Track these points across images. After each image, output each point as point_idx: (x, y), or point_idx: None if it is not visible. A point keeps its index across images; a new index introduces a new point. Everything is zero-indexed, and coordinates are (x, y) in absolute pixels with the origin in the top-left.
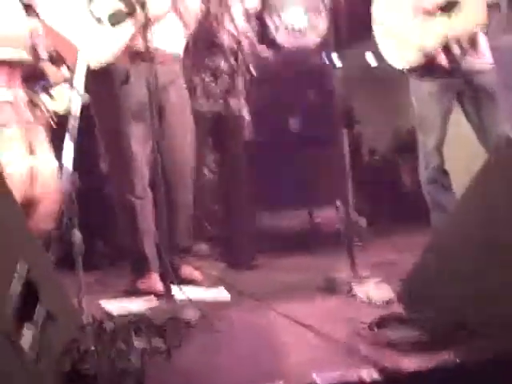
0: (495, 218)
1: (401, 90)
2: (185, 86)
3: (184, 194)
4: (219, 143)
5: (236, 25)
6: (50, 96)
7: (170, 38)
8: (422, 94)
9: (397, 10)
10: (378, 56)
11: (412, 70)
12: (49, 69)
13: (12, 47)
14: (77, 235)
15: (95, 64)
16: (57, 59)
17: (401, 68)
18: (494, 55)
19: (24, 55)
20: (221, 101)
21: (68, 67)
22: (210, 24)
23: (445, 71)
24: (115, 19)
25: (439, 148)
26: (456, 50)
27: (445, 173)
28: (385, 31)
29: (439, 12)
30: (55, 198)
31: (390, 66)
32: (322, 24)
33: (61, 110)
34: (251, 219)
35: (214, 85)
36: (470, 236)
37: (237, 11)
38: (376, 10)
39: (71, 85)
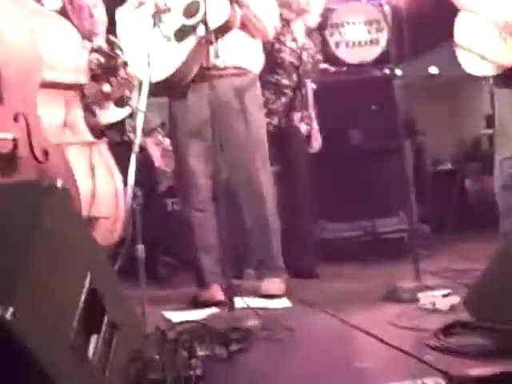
0: None
1: (466, 99)
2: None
3: (260, 211)
4: (281, 156)
5: (297, 42)
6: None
7: (237, 52)
8: (503, 99)
9: (481, 31)
10: (442, 66)
11: (495, 78)
12: (90, 86)
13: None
14: (140, 249)
15: (156, 79)
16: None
17: (483, 76)
18: None
19: (83, 79)
20: (283, 116)
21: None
22: (272, 42)
23: None
24: (181, 35)
25: None
26: None
27: None
28: (467, 47)
29: None
30: (118, 214)
31: (456, 74)
32: (383, 37)
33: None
34: (313, 230)
35: (276, 101)
36: None
37: (298, 29)
38: (458, 30)
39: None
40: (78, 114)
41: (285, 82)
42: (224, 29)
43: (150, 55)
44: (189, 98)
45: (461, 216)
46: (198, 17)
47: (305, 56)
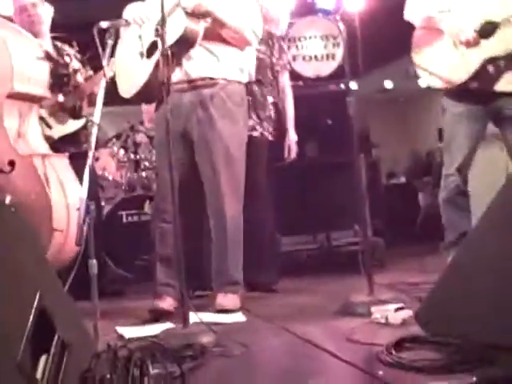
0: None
1: (420, 113)
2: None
3: (219, 221)
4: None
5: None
6: (47, 124)
7: (205, 63)
8: (454, 114)
9: (435, 45)
10: (397, 80)
11: (447, 91)
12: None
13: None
14: (92, 265)
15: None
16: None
17: (436, 88)
18: None
19: (47, 92)
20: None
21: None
22: None
23: (479, 94)
24: (151, 51)
25: (463, 170)
26: (493, 71)
27: (464, 194)
28: (423, 60)
29: (480, 39)
30: (70, 229)
31: (410, 88)
32: (339, 52)
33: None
34: (272, 243)
35: None
36: (491, 257)
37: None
38: (416, 42)
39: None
40: (32, 126)
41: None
42: (183, 42)
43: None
44: (159, 110)
45: (414, 229)
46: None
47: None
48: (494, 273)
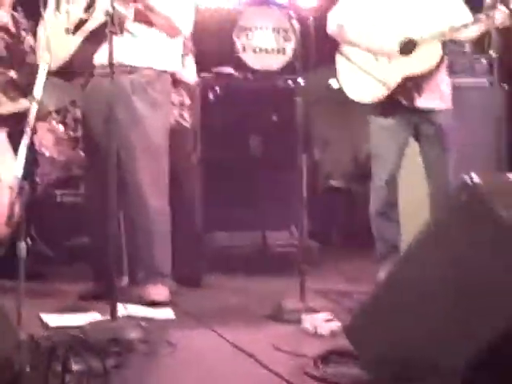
0: (451, 257)
1: (362, 118)
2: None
3: (142, 211)
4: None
5: None
6: None
7: (128, 50)
8: (378, 127)
9: (360, 52)
10: None
11: (369, 105)
12: None
13: None
14: (21, 247)
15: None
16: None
17: (358, 101)
18: (455, 96)
19: None
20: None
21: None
22: None
23: (401, 109)
24: (77, 28)
25: (391, 182)
26: (413, 88)
27: (393, 205)
28: (348, 66)
29: (399, 55)
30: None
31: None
32: (290, 46)
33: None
34: (200, 237)
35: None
36: (425, 274)
37: None
38: (340, 61)
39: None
40: None
41: None
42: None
43: (50, 41)
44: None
45: (348, 234)
46: (91, 11)
47: None
48: (430, 297)
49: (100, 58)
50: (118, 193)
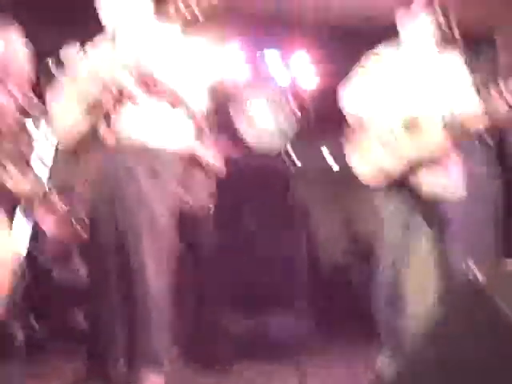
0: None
1: (361, 196)
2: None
3: (143, 295)
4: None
5: None
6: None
7: (137, 126)
8: (387, 209)
9: (367, 137)
10: (340, 160)
11: (378, 186)
12: (8, 145)
13: None
14: (16, 324)
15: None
16: None
17: (366, 182)
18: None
19: None
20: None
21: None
22: None
23: (408, 192)
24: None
25: (397, 266)
26: (420, 172)
27: (399, 291)
28: (356, 149)
29: (403, 134)
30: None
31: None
32: (288, 127)
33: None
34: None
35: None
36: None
37: None
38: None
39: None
40: None
41: None
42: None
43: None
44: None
45: (348, 314)
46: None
47: None
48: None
49: (109, 134)
50: (118, 274)
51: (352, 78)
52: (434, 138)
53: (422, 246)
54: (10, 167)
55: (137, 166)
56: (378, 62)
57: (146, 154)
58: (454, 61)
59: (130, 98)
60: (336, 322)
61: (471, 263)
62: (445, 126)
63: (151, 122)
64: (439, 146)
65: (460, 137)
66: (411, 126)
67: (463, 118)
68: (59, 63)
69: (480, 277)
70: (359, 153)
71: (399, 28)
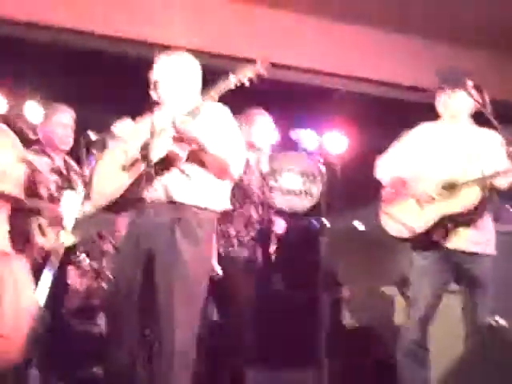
0: None
1: (387, 258)
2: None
3: (168, 355)
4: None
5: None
6: (42, 232)
7: (177, 187)
8: (420, 267)
9: (401, 203)
10: (368, 222)
11: (410, 241)
12: (46, 206)
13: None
14: (33, 375)
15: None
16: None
17: (400, 237)
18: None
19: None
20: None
21: None
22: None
23: (439, 249)
24: (130, 165)
25: (424, 323)
26: (452, 228)
27: (424, 349)
28: (390, 213)
29: (439, 197)
30: (18, 335)
31: (380, 233)
32: (316, 189)
33: (48, 246)
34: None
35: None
36: None
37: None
38: (384, 199)
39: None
40: None
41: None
42: (165, 163)
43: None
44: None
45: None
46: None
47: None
48: None
49: (150, 194)
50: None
51: (391, 149)
52: (470, 197)
53: (451, 303)
54: (45, 225)
55: (176, 226)
56: (416, 136)
57: (185, 213)
58: (489, 136)
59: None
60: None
61: (501, 320)
62: (479, 185)
63: (191, 184)
64: (473, 205)
65: (491, 196)
66: (449, 187)
67: (495, 174)
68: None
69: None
70: (395, 212)
71: (437, 104)
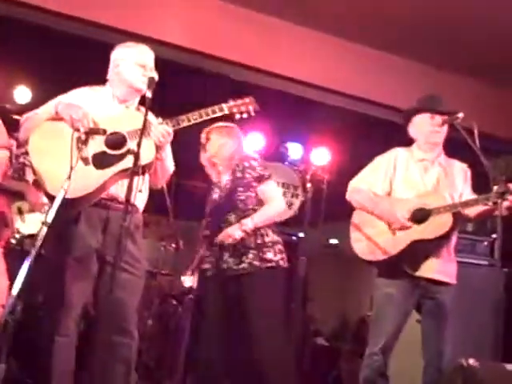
0: None
1: (357, 277)
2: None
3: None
4: None
5: None
6: (22, 219)
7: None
8: (382, 294)
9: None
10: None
11: (376, 266)
12: (31, 191)
13: None
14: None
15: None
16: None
17: (367, 260)
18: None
19: None
20: None
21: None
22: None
23: (406, 277)
24: (101, 161)
25: (386, 351)
26: (420, 256)
27: (385, 377)
28: (358, 236)
29: (412, 226)
30: None
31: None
32: (296, 202)
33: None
34: None
35: None
36: None
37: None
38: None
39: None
40: None
41: None
42: (147, 168)
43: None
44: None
45: None
46: (123, 150)
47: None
48: None
49: (115, 191)
50: None
51: (362, 171)
52: (441, 224)
53: (413, 331)
54: (25, 210)
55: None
56: (388, 160)
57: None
58: (459, 168)
59: None
60: None
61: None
62: (450, 213)
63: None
64: (444, 232)
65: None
66: (421, 214)
67: (467, 202)
68: None
69: (476, 370)
70: (361, 230)
71: (412, 131)
